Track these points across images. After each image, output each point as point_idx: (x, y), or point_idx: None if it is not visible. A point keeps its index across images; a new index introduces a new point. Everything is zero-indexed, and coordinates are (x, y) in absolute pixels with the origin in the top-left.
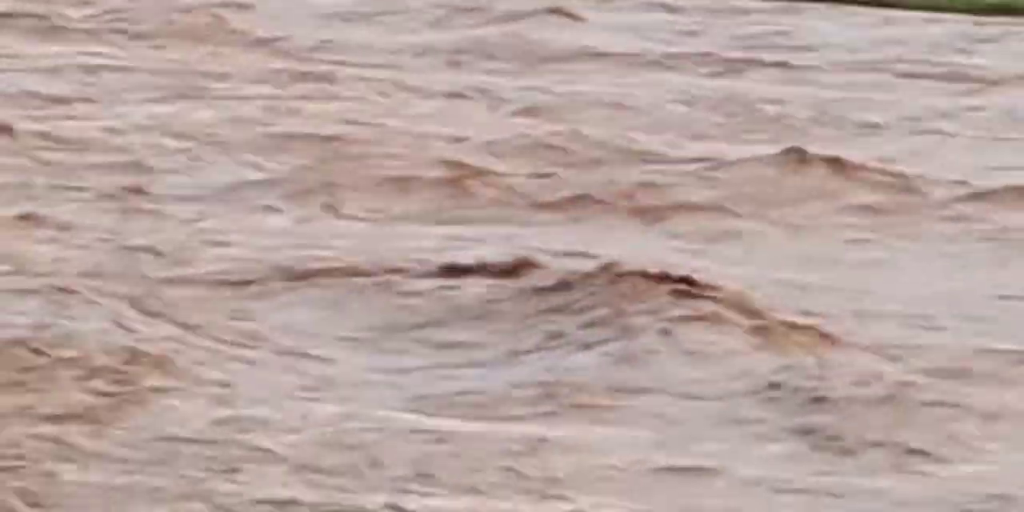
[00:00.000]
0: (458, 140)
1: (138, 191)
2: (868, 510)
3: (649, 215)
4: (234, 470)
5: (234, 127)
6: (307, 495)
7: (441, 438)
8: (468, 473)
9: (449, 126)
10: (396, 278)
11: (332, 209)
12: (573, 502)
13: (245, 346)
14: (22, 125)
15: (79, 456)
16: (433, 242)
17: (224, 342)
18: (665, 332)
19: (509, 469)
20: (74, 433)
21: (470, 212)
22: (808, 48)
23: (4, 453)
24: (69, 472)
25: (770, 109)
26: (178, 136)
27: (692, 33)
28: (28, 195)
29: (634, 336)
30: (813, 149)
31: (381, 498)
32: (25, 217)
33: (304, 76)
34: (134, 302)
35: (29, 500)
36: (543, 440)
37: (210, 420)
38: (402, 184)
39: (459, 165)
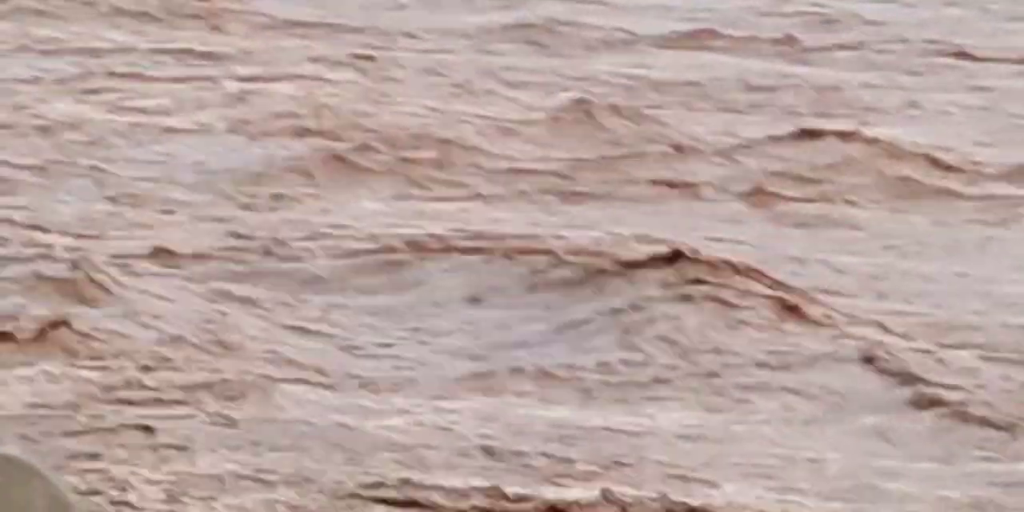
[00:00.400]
0: (541, 125)
1: (236, 179)
2: None
3: (746, 200)
4: (351, 458)
5: (321, 113)
6: (423, 481)
7: (579, 425)
8: (604, 460)
9: (532, 111)
10: (517, 256)
11: (426, 191)
12: (717, 487)
13: (372, 328)
14: (106, 115)
15: (195, 442)
16: (536, 222)
17: (351, 324)
18: (779, 315)
19: (648, 453)
20: (194, 418)
21: (566, 195)
22: (873, 29)
23: (124, 440)
24: (186, 457)
25: (845, 91)
26: (266, 119)
27: (752, 14)
28: (130, 188)
29: (746, 319)
30: (898, 132)
31: (509, 489)
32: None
33: (381, 62)
34: (260, 289)
35: (149, 481)
36: (685, 420)
37: (333, 407)
38: (493, 168)
39: (548, 151)
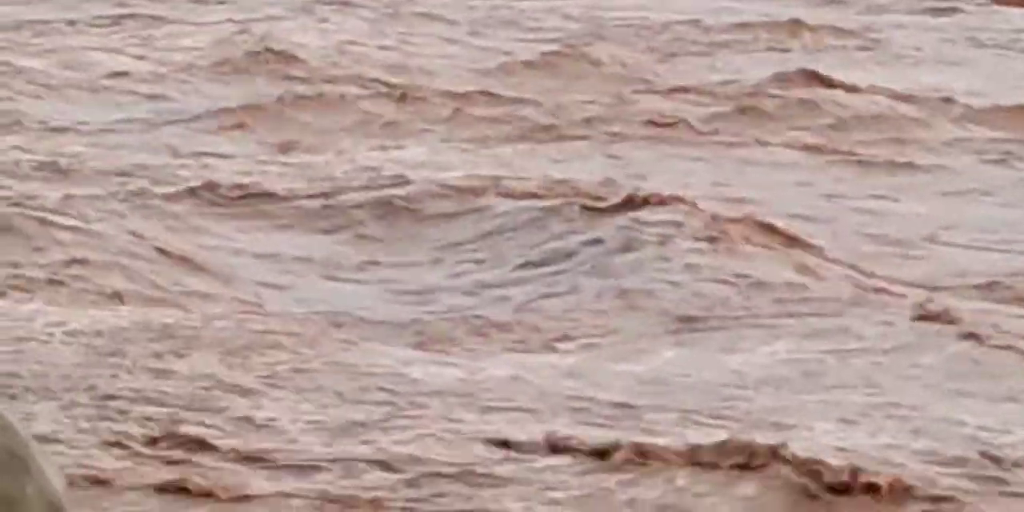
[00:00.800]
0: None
1: (277, 120)
2: None
3: (809, 150)
4: (418, 406)
5: (350, 60)
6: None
7: (664, 368)
8: (690, 404)
9: (536, 53)
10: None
11: (451, 140)
12: (798, 430)
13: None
14: (146, 60)
15: (262, 396)
16: (575, 165)
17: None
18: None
19: (735, 396)
20: (263, 375)
21: (608, 137)
22: None
23: (194, 392)
24: (261, 409)
25: (862, 35)
26: (291, 66)
27: None
28: (185, 133)
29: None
30: (926, 78)
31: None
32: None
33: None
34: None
35: (222, 432)
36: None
37: (399, 359)
38: (500, 117)
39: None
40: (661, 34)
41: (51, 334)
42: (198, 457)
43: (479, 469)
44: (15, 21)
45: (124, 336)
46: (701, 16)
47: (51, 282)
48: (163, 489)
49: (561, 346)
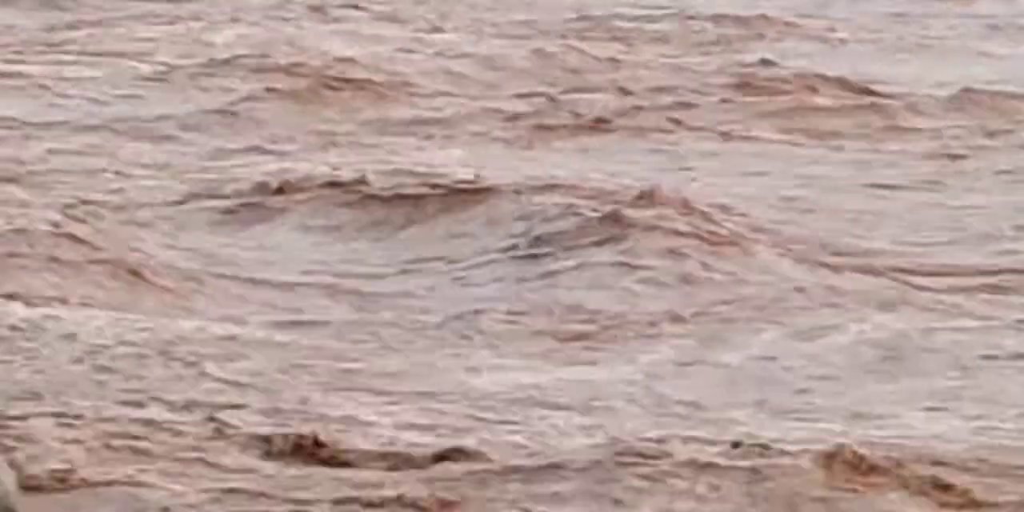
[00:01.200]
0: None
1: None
2: None
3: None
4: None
5: (386, 63)
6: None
7: (748, 364)
8: (779, 400)
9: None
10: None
11: (496, 139)
12: (898, 418)
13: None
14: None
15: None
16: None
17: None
18: None
19: (821, 389)
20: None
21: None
22: None
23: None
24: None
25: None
26: (333, 68)
27: None
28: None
29: None
30: (960, 67)
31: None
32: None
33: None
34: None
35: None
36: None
37: (511, 363)
38: (543, 114)
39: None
40: (694, 27)
41: (114, 341)
42: (336, 456)
43: (608, 464)
44: (64, 23)
45: (192, 344)
46: (731, 9)
47: (113, 287)
48: (343, 501)
49: (653, 332)
